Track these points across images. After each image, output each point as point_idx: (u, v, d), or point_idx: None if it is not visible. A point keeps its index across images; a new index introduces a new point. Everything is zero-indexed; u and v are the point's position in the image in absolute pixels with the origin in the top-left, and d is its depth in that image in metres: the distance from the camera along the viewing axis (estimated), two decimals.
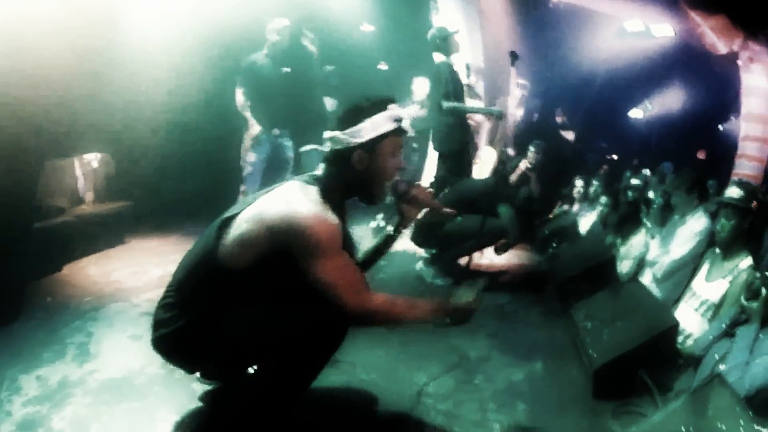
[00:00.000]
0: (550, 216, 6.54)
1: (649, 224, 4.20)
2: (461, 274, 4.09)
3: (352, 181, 1.80)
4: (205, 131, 5.04)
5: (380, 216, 5.28)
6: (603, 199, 5.57)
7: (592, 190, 6.24)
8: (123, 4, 3.89)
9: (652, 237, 3.95)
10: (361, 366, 2.66)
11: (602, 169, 7.66)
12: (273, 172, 5.14)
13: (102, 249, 4.01)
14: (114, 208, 4.42)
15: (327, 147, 1.80)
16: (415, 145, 7.35)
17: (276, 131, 5.13)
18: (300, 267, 1.61)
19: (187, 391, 2.15)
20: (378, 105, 1.77)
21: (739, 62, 8.06)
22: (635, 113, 11.60)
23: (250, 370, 1.97)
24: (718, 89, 8.76)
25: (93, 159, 4.37)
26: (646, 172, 7.27)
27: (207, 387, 2.13)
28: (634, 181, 5.89)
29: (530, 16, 7.96)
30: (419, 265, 4.45)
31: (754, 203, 2.93)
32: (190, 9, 4.56)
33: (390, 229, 2.09)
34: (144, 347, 1.89)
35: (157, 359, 1.86)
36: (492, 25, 7.08)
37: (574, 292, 3.69)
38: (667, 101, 10.43)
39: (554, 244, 5.42)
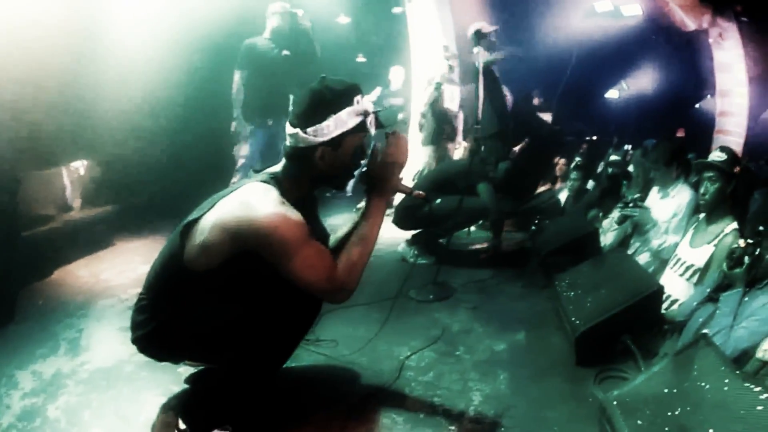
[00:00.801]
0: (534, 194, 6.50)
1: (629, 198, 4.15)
2: (443, 253, 4.07)
3: (316, 175, 1.76)
4: (191, 132, 4.96)
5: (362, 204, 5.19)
6: (573, 174, 5.52)
7: (572, 167, 6.19)
8: (106, 11, 4.01)
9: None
10: (343, 343, 2.68)
11: (582, 148, 7.64)
12: (268, 163, 4.98)
13: (91, 252, 4.07)
14: (101, 212, 4.54)
15: (288, 142, 1.73)
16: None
17: (270, 122, 4.96)
18: (270, 263, 1.61)
19: (173, 375, 2.19)
20: (342, 98, 1.68)
21: (710, 39, 8.10)
22: (612, 93, 11.60)
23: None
24: (691, 67, 8.79)
25: (80, 166, 4.50)
26: (627, 147, 7.24)
27: (192, 369, 2.12)
28: (614, 157, 5.86)
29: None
30: (401, 246, 4.44)
31: (737, 168, 2.89)
32: (172, 13, 4.56)
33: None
34: None
35: None
36: (463, 10, 7.02)
37: (557, 264, 3.64)
38: (643, 80, 10.43)
39: (536, 221, 5.38)
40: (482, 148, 5.89)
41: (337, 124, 1.66)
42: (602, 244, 3.97)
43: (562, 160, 6.52)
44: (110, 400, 2.06)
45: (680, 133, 8.36)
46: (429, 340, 2.85)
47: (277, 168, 1.79)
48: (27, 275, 3.35)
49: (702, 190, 2.92)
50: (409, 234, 4.45)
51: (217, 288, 1.67)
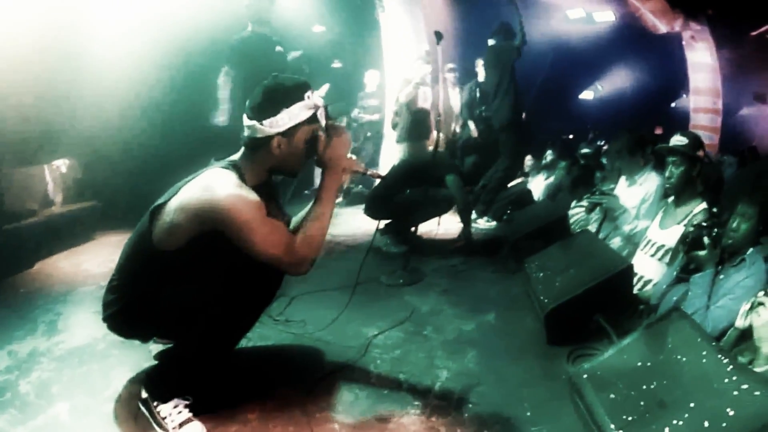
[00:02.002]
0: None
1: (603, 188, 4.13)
2: (414, 242, 4.03)
3: (271, 164, 1.88)
4: (175, 132, 4.83)
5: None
6: (544, 171, 5.53)
7: (543, 163, 6.21)
8: (90, 10, 4.09)
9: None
10: (311, 323, 2.65)
11: (552, 143, 7.66)
12: None
13: (72, 246, 4.13)
14: (82, 208, 4.58)
15: (246, 133, 1.85)
16: (368, 133, 7.42)
17: None
18: (232, 241, 1.71)
19: (143, 354, 2.21)
20: (294, 93, 1.82)
21: (684, 43, 8.25)
22: (587, 95, 11.73)
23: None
24: (665, 67, 8.98)
25: (61, 164, 4.56)
26: (600, 142, 7.31)
27: (162, 347, 2.12)
28: (586, 150, 5.87)
29: (473, 5, 7.93)
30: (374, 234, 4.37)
31: (701, 152, 2.87)
32: (157, 13, 4.58)
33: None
34: None
35: None
36: (435, 16, 7.13)
37: (528, 250, 3.59)
38: (617, 81, 10.59)
39: (508, 212, 5.35)
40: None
41: (290, 116, 1.80)
42: (572, 230, 3.94)
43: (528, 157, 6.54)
44: (80, 376, 2.09)
45: (658, 131, 8.47)
46: (398, 321, 2.76)
47: (236, 156, 1.91)
48: (9, 266, 3.43)
49: (667, 174, 2.90)
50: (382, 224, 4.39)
51: (183, 266, 1.77)
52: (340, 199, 5.24)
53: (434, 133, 6.16)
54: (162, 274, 1.77)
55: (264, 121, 1.79)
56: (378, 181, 3.25)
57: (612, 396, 1.63)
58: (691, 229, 2.25)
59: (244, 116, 1.84)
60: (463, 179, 4.50)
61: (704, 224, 2.21)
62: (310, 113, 1.83)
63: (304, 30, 7.44)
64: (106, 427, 1.79)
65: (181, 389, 1.84)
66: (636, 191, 3.49)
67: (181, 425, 1.76)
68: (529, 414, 1.95)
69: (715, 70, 7.97)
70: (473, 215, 5.09)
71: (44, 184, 4.39)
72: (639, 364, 1.72)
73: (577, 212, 4.16)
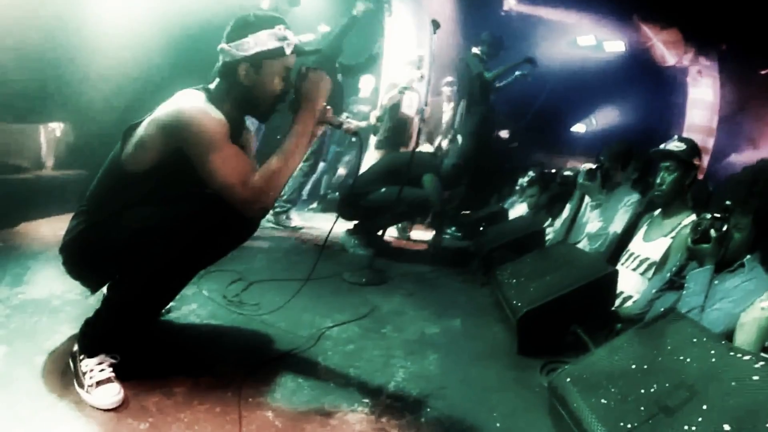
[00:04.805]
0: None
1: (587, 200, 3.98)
2: (381, 246, 3.78)
3: (240, 96, 1.82)
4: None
5: None
6: (529, 190, 5.36)
7: (527, 182, 6.03)
8: None
9: (591, 209, 3.68)
10: (266, 309, 2.43)
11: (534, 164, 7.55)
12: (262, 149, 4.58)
13: (56, 213, 3.89)
14: (72, 175, 4.45)
15: (220, 59, 1.81)
16: (353, 139, 7.02)
17: None
18: (193, 163, 1.65)
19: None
20: (264, 22, 1.79)
21: (688, 78, 8.16)
22: (579, 128, 11.38)
23: None
24: (663, 105, 8.68)
25: (56, 127, 4.54)
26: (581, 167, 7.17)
27: None
28: (567, 173, 5.72)
29: (481, 23, 7.81)
30: (341, 235, 4.15)
31: (696, 159, 2.70)
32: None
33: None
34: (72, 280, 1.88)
35: (78, 288, 1.89)
36: (442, 31, 6.95)
37: (500, 261, 3.34)
38: (612, 117, 10.14)
39: (482, 227, 5.13)
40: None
41: (257, 42, 1.76)
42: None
43: (522, 179, 6.38)
44: (30, 325, 2.01)
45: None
46: (356, 316, 2.47)
47: (210, 86, 1.86)
48: None
49: (659, 181, 2.70)
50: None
51: (147, 191, 1.70)
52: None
53: (413, 143, 6.05)
54: (127, 196, 1.71)
55: (231, 44, 1.76)
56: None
57: (604, 401, 1.35)
58: (707, 216, 2.03)
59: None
60: (441, 181, 4.22)
61: (717, 215, 1.99)
62: (277, 44, 1.77)
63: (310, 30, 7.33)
64: (32, 376, 1.66)
65: (111, 346, 1.70)
66: (617, 206, 3.35)
67: (98, 384, 1.59)
68: (499, 425, 1.65)
69: (713, 109, 7.89)
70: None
71: (38, 144, 4.40)
72: (633, 366, 1.45)
73: (553, 229, 3.96)
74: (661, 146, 2.72)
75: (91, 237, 1.73)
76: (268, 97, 1.82)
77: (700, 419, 1.14)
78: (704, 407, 1.16)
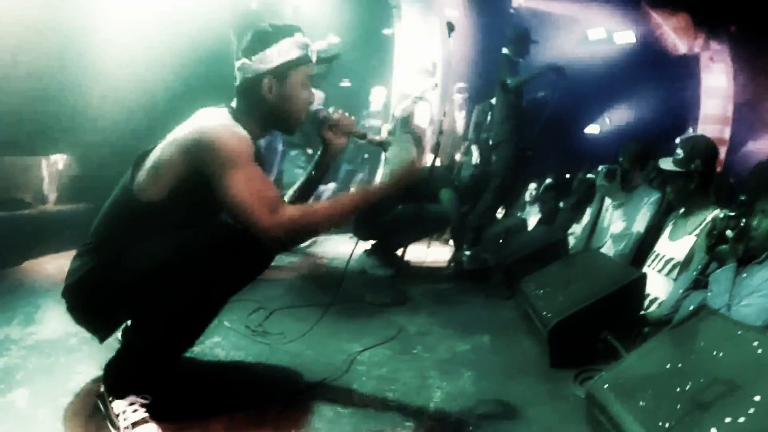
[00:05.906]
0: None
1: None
2: (401, 265, 3.77)
3: (266, 111, 1.74)
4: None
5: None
6: (545, 195, 5.30)
7: (543, 188, 6.00)
8: (95, 5, 3.98)
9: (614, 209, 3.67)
10: (290, 336, 2.40)
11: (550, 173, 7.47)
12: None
13: (61, 250, 3.81)
14: (76, 209, 4.37)
15: (237, 76, 1.73)
16: (366, 155, 6.93)
17: None
18: (213, 186, 1.52)
19: (113, 351, 1.91)
20: (284, 31, 1.72)
21: (700, 65, 7.95)
22: (592, 129, 11.03)
23: None
24: (677, 98, 8.43)
25: (59, 160, 4.42)
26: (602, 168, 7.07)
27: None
28: (589, 176, 5.66)
29: (490, 21, 7.55)
30: (359, 256, 4.11)
31: (694, 163, 2.66)
32: (166, 11, 4.42)
33: (316, 157, 2.01)
34: None
35: None
36: (454, 35, 6.94)
37: (523, 273, 3.33)
38: (627, 115, 9.69)
39: (501, 240, 5.11)
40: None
41: (280, 52, 1.69)
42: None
43: (533, 185, 6.33)
44: (48, 366, 1.98)
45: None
46: (383, 338, 2.49)
47: (232, 104, 1.78)
48: None
49: (668, 190, 2.84)
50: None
51: (161, 224, 1.58)
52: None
53: (424, 157, 5.92)
54: (138, 230, 1.58)
55: (253, 58, 1.68)
56: None
57: (642, 404, 1.37)
58: (721, 217, 2.03)
59: (235, 61, 1.74)
60: (460, 196, 4.21)
61: (731, 214, 1.99)
62: (301, 52, 1.71)
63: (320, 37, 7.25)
64: (57, 418, 1.62)
65: (140, 387, 1.62)
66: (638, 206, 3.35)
67: (134, 425, 1.54)
68: None
69: (728, 97, 7.62)
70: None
71: (40, 179, 4.28)
72: (668, 366, 1.46)
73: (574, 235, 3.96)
74: (660, 162, 2.79)
75: (99, 277, 1.61)
76: (296, 108, 1.76)
77: (752, 411, 1.15)
78: (756, 398, 1.17)
